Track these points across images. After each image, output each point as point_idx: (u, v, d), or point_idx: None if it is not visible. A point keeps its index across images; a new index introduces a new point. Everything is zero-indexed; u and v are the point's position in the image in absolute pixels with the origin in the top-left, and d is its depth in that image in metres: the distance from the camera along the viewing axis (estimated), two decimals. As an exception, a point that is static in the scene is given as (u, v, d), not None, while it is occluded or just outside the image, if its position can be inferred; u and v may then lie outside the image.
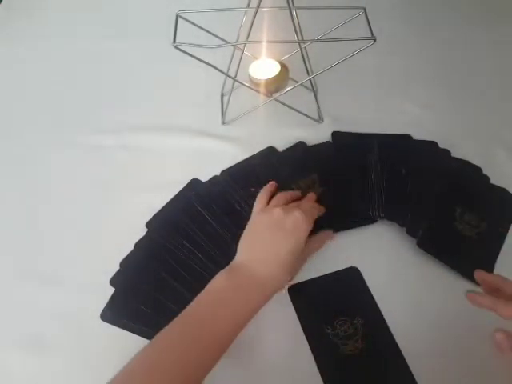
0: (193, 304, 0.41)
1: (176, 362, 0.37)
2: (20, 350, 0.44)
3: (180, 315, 0.40)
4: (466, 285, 0.46)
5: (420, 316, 0.45)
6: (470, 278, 0.46)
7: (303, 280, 0.48)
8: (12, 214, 0.55)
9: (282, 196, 0.49)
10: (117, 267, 0.49)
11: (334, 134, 0.60)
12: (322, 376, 0.42)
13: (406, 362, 0.42)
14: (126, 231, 0.51)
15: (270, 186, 0.52)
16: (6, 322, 0.47)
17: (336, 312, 0.45)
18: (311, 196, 0.51)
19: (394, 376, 0.42)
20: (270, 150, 0.59)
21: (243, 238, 0.46)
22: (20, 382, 0.43)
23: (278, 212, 0.45)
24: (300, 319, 0.45)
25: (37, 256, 0.51)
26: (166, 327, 0.39)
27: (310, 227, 0.45)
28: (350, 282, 0.48)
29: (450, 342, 0.44)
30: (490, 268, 0.47)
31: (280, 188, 0.53)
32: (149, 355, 0.37)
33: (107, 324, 0.45)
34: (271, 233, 0.44)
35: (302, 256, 0.46)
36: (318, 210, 0.49)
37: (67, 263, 0.50)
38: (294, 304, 0.46)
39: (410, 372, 0.41)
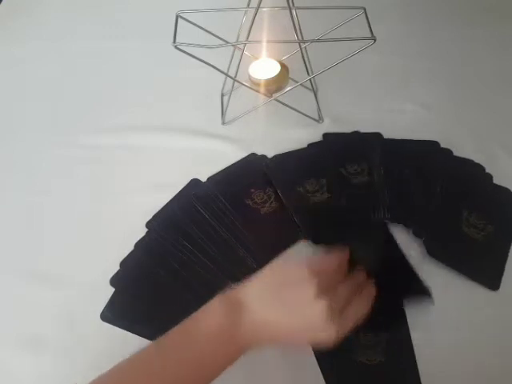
0: (184, 326, 0.35)
1: None
2: (20, 350, 0.44)
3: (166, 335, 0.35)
4: (475, 287, 0.46)
5: (427, 315, 0.44)
6: (480, 281, 0.46)
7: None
8: (12, 213, 0.55)
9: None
10: (117, 267, 0.49)
11: (326, 136, 0.60)
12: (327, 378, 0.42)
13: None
14: (126, 231, 0.51)
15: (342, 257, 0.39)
16: (5, 321, 0.47)
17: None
18: (370, 292, 0.39)
19: None
20: (252, 156, 0.58)
21: (267, 280, 0.37)
22: (19, 381, 0.43)
23: (322, 308, 0.34)
24: None
25: (37, 256, 0.51)
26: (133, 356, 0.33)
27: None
28: None
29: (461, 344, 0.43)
30: (499, 271, 0.47)
31: (282, 188, 0.52)
32: None
33: (107, 324, 0.45)
34: (297, 315, 0.35)
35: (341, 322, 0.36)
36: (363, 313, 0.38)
37: (67, 263, 0.50)
38: None
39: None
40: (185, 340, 0.35)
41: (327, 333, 0.35)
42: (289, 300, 0.36)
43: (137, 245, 0.50)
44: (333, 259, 0.38)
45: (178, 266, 0.48)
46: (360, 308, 0.37)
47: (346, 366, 0.42)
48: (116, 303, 0.46)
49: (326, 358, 0.42)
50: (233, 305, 0.36)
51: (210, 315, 0.36)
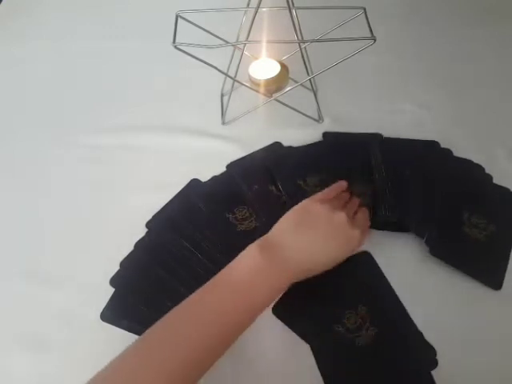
0: (223, 272, 0.40)
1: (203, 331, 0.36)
2: (20, 350, 0.44)
3: (207, 284, 0.39)
4: (478, 287, 0.46)
5: (428, 314, 0.45)
6: (482, 281, 0.46)
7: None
8: (12, 213, 0.55)
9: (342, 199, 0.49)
10: (117, 267, 0.49)
11: (325, 135, 0.60)
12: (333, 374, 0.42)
13: (422, 335, 0.42)
14: (126, 231, 0.51)
15: (340, 186, 0.51)
16: (5, 321, 0.47)
17: (340, 306, 0.45)
18: (364, 210, 0.49)
19: (415, 352, 0.42)
20: (277, 145, 0.59)
21: (290, 217, 0.44)
22: (19, 381, 0.43)
23: (342, 219, 0.43)
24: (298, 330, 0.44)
25: (37, 256, 0.51)
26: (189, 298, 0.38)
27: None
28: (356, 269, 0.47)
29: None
30: (502, 270, 0.47)
31: (283, 181, 0.53)
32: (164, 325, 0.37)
33: (107, 324, 0.45)
34: (325, 235, 0.43)
35: None
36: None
37: (67, 263, 0.50)
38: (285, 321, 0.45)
39: (431, 347, 0.42)
40: (228, 281, 0.39)
41: (353, 236, 0.43)
42: (313, 226, 0.43)
43: (137, 245, 0.50)
44: (333, 189, 0.49)
45: (178, 266, 0.48)
46: (364, 218, 0.48)
47: (354, 354, 0.42)
48: (116, 303, 0.46)
49: (324, 349, 0.43)
50: (265, 247, 0.41)
51: (247, 258, 0.40)
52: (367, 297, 0.45)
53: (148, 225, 0.52)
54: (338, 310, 0.44)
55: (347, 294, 0.46)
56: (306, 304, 0.45)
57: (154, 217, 0.53)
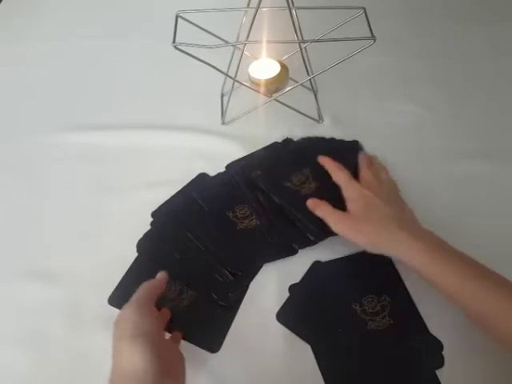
0: None
1: None
2: (20, 349, 0.45)
3: None
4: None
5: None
6: None
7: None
8: (13, 212, 0.55)
9: None
10: (117, 267, 0.49)
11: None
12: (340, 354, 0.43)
13: (432, 336, 0.43)
14: (126, 231, 0.51)
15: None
16: (5, 320, 0.47)
17: (363, 290, 0.46)
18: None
19: (422, 349, 0.43)
20: (277, 145, 0.60)
21: None
22: (20, 380, 0.43)
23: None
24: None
25: (37, 255, 0.51)
26: None
27: None
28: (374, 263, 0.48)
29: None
30: None
31: (271, 190, 0.52)
32: None
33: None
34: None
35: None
36: None
37: (67, 263, 0.50)
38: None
39: (437, 347, 0.42)
40: None
41: None
42: None
43: (141, 240, 0.51)
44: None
45: (180, 263, 0.48)
46: None
47: (364, 336, 0.43)
48: (123, 289, 0.47)
49: (349, 331, 0.44)
50: None
51: None
52: (393, 289, 0.46)
53: (153, 215, 0.53)
54: (358, 291, 0.46)
55: (371, 282, 0.47)
56: (310, 305, 0.46)
57: (157, 209, 0.53)
